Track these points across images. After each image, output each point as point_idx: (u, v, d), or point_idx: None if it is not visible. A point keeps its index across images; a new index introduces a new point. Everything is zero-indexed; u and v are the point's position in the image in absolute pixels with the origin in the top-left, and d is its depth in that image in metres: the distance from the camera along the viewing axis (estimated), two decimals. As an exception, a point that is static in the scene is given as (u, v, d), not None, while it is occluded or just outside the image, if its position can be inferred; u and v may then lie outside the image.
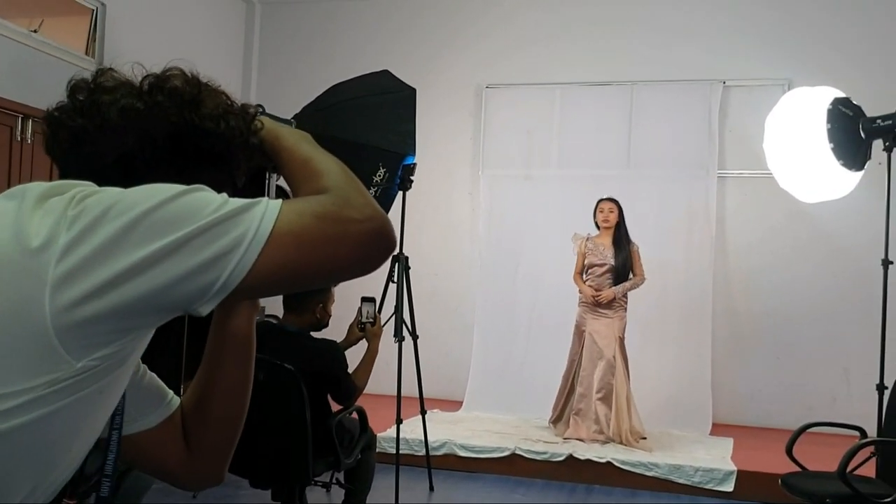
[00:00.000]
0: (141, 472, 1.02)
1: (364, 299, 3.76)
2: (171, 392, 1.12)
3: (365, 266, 0.92)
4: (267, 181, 1.10)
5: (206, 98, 1.01)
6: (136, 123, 0.98)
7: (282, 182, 1.07)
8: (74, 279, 0.83)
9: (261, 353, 1.17)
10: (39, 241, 0.84)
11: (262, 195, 1.09)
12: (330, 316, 3.53)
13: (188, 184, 0.89)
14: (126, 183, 0.90)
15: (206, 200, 0.87)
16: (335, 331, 3.71)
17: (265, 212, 0.87)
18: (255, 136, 1.04)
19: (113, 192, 0.88)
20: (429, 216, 6.89)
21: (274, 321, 3.54)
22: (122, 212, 0.85)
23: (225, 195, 0.89)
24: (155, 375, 1.11)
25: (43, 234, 0.84)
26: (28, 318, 0.83)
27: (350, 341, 3.79)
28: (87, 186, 0.90)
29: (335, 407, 3.53)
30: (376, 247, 0.91)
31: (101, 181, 0.92)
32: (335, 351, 3.44)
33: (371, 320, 3.71)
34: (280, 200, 0.89)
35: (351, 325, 3.78)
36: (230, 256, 0.85)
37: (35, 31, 5.32)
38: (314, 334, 3.51)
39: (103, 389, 0.89)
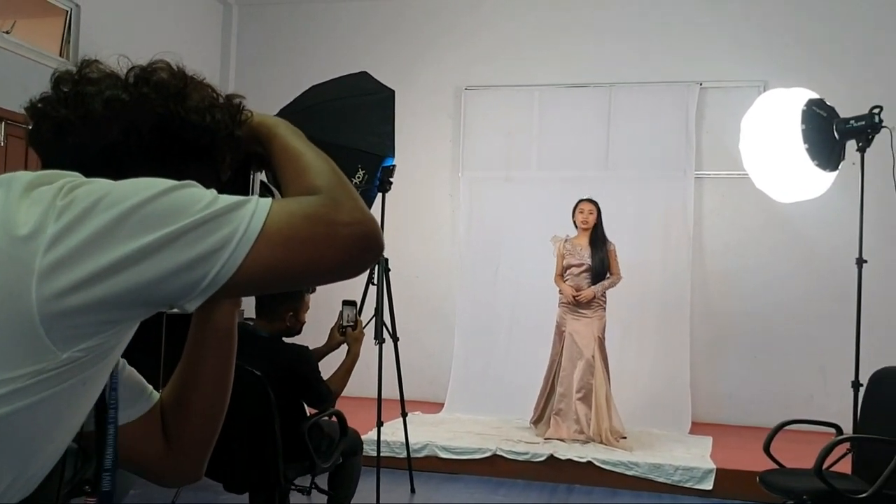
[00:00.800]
0: (120, 467, 1.02)
1: (345, 303, 3.74)
2: (150, 386, 1.12)
3: (352, 269, 0.93)
4: (252, 176, 1.11)
5: (191, 91, 1.01)
6: (121, 115, 0.97)
7: (272, 178, 1.08)
8: (62, 269, 0.83)
9: None
10: (27, 229, 0.84)
11: (247, 190, 1.10)
12: (302, 324, 3.50)
13: (172, 177, 0.89)
14: (110, 175, 0.90)
15: (197, 197, 0.87)
16: (316, 335, 3.71)
17: (255, 210, 0.88)
18: (241, 129, 1.04)
19: (103, 184, 0.88)
20: (409, 218, 6.89)
21: (249, 324, 3.54)
22: (112, 204, 0.85)
23: (214, 192, 0.89)
24: (134, 370, 1.10)
25: (31, 223, 0.84)
26: (14, 306, 0.83)
27: (331, 345, 3.77)
28: (76, 177, 0.90)
29: (312, 412, 3.52)
30: (364, 250, 0.92)
31: (85, 173, 0.91)
32: (305, 355, 3.42)
33: (352, 324, 3.69)
34: (270, 199, 0.90)
35: (332, 329, 3.75)
36: (219, 254, 0.85)
37: (7, 33, 5.27)
38: (287, 340, 3.49)
39: (86, 381, 0.89)
